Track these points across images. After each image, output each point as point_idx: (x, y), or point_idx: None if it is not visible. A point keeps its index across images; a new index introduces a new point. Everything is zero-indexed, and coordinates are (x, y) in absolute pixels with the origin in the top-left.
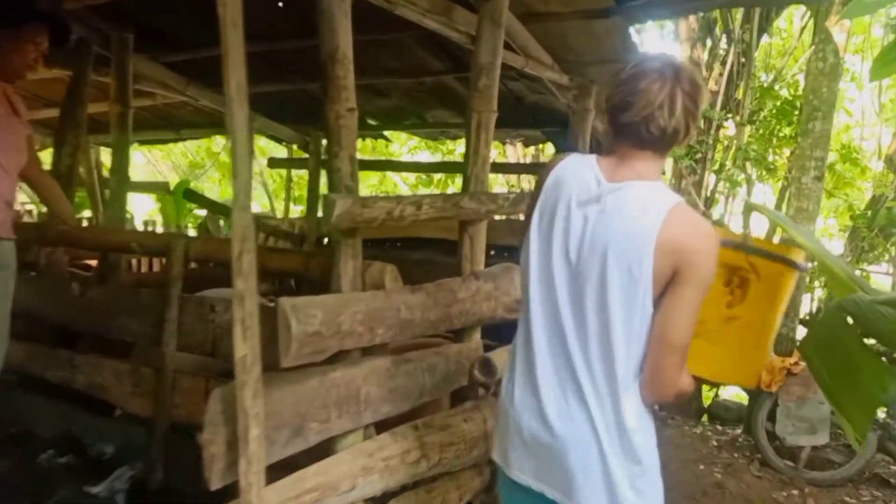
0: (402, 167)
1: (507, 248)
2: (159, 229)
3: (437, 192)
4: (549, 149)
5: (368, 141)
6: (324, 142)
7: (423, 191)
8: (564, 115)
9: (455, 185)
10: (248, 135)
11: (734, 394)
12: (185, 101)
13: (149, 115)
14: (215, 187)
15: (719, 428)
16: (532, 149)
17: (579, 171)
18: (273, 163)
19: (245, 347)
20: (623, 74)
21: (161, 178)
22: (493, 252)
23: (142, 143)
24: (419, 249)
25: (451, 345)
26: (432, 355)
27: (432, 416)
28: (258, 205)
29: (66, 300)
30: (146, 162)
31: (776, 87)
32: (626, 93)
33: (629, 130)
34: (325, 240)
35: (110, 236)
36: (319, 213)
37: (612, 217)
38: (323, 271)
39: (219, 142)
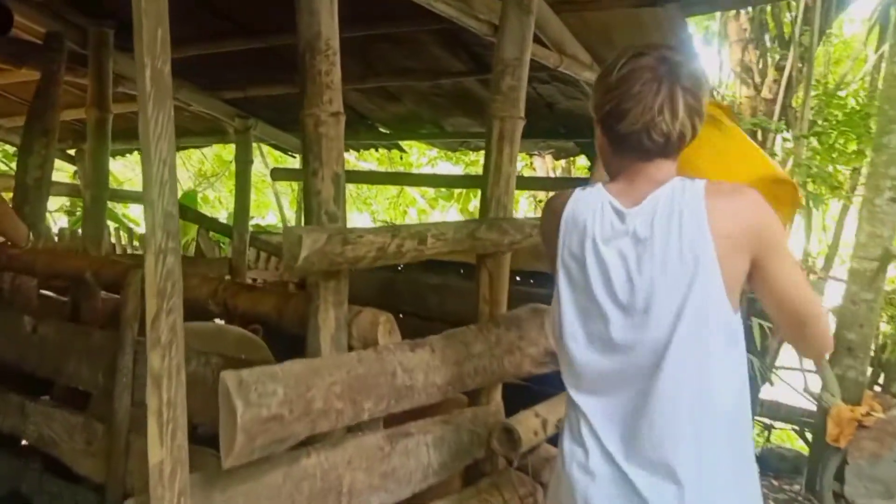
0: (416, 181)
1: (533, 275)
2: None
3: (456, 206)
4: (582, 161)
5: (381, 150)
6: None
7: (443, 206)
8: None
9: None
10: (165, 149)
11: (789, 436)
12: (180, 106)
13: None
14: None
15: (774, 482)
16: (563, 162)
17: (591, 204)
18: (277, 174)
19: (161, 452)
20: (611, 77)
21: (179, 187)
22: (517, 277)
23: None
24: (436, 272)
25: (465, 410)
26: (439, 425)
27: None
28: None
29: (18, 335)
30: None
31: (840, 95)
32: (618, 99)
33: (629, 141)
34: None
35: (62, 263)
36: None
37: (649, 241)
38: (301, 319)
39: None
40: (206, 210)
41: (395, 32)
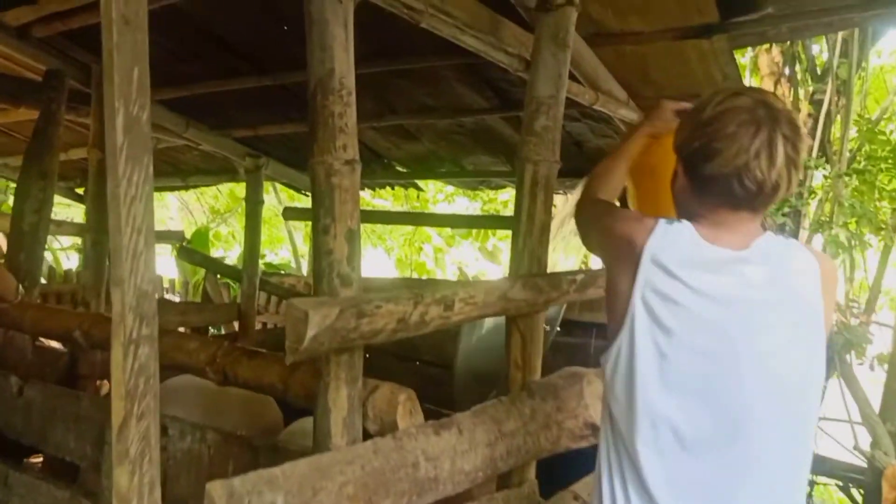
0: (434, 221)
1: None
2: (173, 298)
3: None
4: None
5: (397, 188)
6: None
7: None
8: None
9: (497, 235)
10: (145, 209)
11: (829, 492)
12: (190, 144)
13: (157, 160)
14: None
15: None
16: None
17: (681, 242)
18: (289, 213)
19: None
20: (705, 113)
21: (193, 223)
22: (546, 327)
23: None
24: None
25: (494, 495)
26: None
27: None
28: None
29: (3, 398)
30: (179, 205)
31: (883, 131)
32: (710, 136)
33: (717, 185)
34: None
35: (51, 320)
36: None
37: (769, 295)
38: (308, 393)
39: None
40: (218, 246)
41: (415, 68)
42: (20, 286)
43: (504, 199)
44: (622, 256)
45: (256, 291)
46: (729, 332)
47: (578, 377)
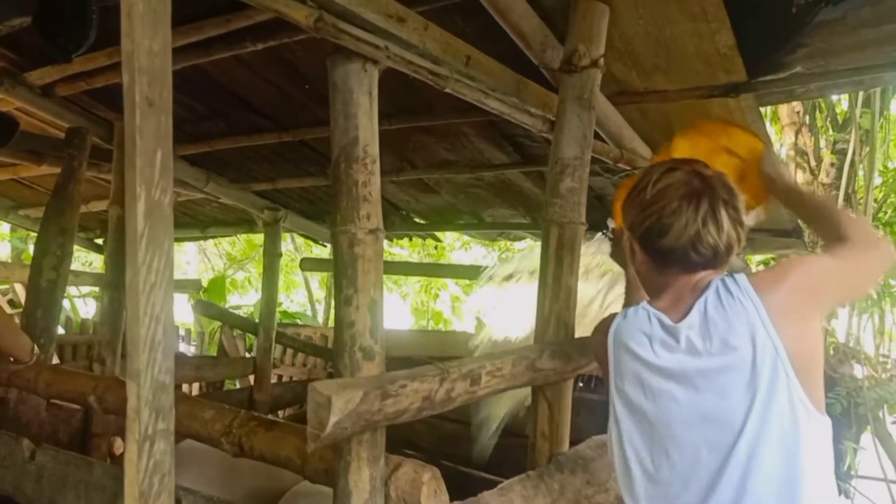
0: (453, 272)
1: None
2: (188, 348)
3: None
4: None
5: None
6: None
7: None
8: None
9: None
10: (165, 295)
11: None
12: (208, 197)
13: (177, 212)
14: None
15: None
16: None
17: (637, 325)
18: (306, 265)
19: None
20: (647, 193)
21: (211, 268)
22: (580, 383)
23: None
24: None
25: None
26: None
27: None
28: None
29: (15, 462)
30: (198, 251)
31: None
32: (658, 214)
33: (673, 256)
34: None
35: (64, 384)
36: None
37: (707, 352)
38: (327, 468)
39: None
40: (235, 293)
41: (435, 125)
42: (35, 346)
43: (521, 248)
44: (602, 353)
45: (272, 345)
46: (677, 397)
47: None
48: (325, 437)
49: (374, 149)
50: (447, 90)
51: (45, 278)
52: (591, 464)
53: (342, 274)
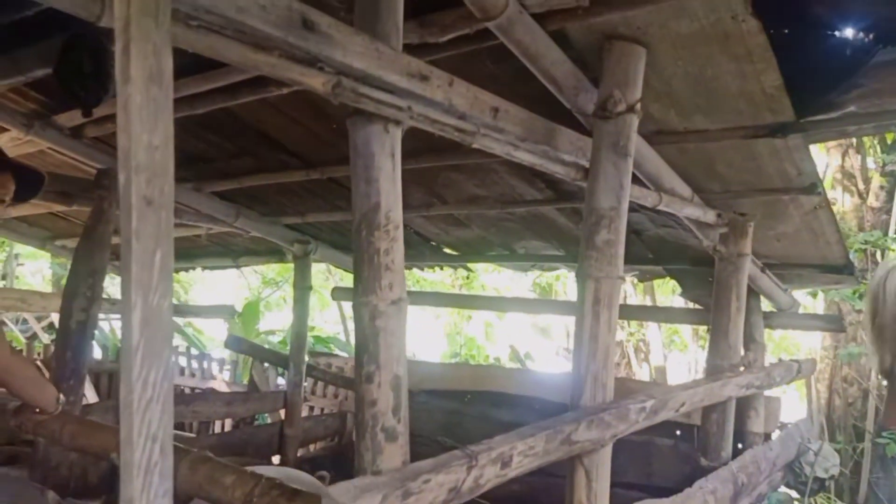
0: (487, 304)
1: None
2: (220, 374)
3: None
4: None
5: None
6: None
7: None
8: (696, 251)
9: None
10: (162, 412)
11: None
12: (237, 232)
13: (209, 242)
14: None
15: None
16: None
17: None
18: (338, 294)
19: None
20: None
21: (248, 286)
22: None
23: (203, 268)
24: (508, 408)
25: None
26: None
27: None
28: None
29: None
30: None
31: None
32: None
33: None
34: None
35: (88, 437)
36: None
37: None
38: None
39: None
40: (269, 315)
41: (464, 163)
42: (61, 396)
43: (556, 274)
44: None
45: (303, 379)
46: None
47: None
48: None
49: (398, 214)
50: (475, 146)
51: (75, 320)
52: None
53: (363, 349)
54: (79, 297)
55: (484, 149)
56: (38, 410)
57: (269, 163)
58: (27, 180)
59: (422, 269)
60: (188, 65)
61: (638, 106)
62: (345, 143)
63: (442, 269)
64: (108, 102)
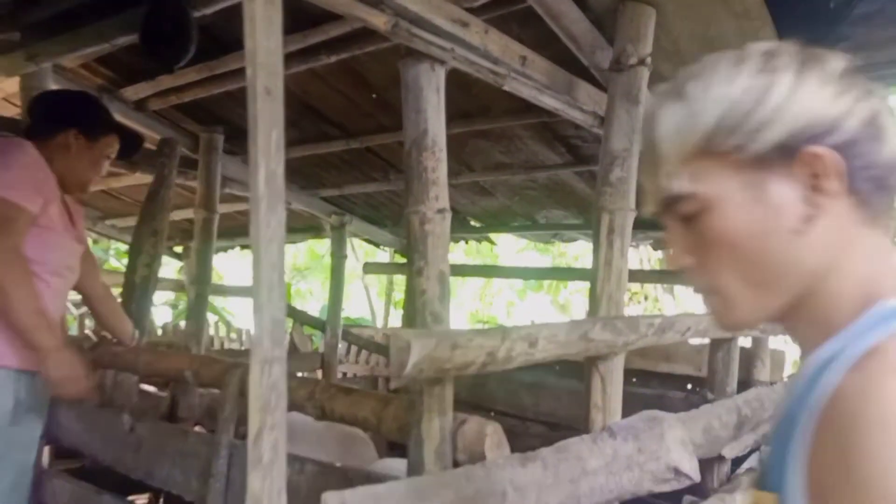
0: (511, 273)
1: (635, 373)
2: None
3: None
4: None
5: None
6: None
7: (531, 296)
8: None
9: (569, 289)
10: (278, 246)
11: None
12: None
13: (245, 219)
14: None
15: None
16: (659, 252)
17: None
18: (369, 268)
19: None
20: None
21: None
22: (634, 379)
23: (242, 247)
24: (530, 370)
25: None
26: None
27: None
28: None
29: (116, 435)
30: None
31: None
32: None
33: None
34: None
35: (163, 362)
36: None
37: None
38: (400, 426)
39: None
40: (297, 303)
41: (491, 128)
42: (136, 331)
43: (575, 253)
44: None
45: (339, 342)
46: None
47: (658, 421)
48: (404, 375)
49: (442, 139)
50: (505, 88)
51: (139, 275)
52: (642, 434)
53: (414, 249)
54: (143, 254)
55: (513, 91)
56: (115, 342)
57: (310, 133)
58: (129, 141)
59: (456, 242)
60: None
61: (648, 59)
62: (383, 114)
63: (467, 242)
64: (169, 76)
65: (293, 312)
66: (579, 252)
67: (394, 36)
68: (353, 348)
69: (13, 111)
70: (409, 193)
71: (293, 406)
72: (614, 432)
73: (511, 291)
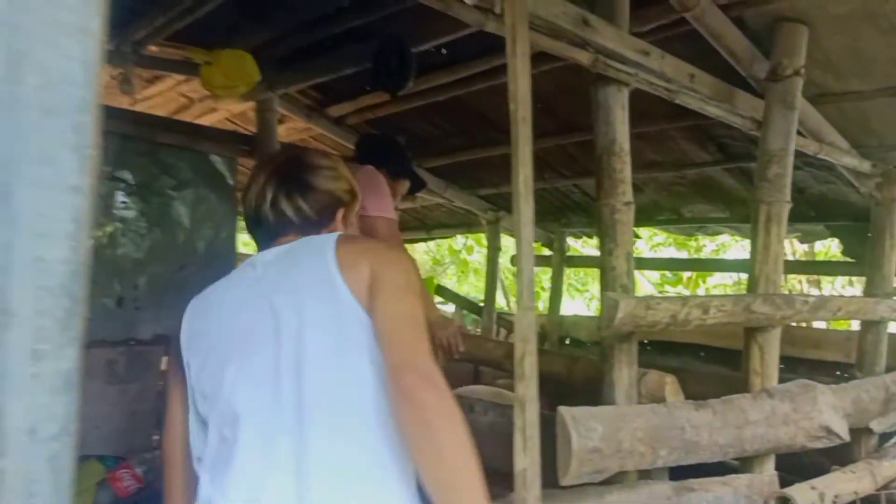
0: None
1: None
2: None
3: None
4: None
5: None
6: (569, 239)
7: (669, 290)
8: (857, 207)
9: (707, 285)
10: (530, 232)
11: None
12: (441, 203)
13: (408, 217)
14: (452, 283)
15: None
16: (805, 246)
17: None
18: (516, 259)
19: (525, 460)
20: None
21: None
22: (782, 365)
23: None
24: (671, 355)
25: (740, 476)
26: (718, 485)
27: None
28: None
29: None
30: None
31: None
32: None
33: None
34: (567, 340)
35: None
36: (558, 312)
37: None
38: (587, 378)
39: (458, 240)
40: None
41: (647, 131)
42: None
43: (713, 249)
44: None
45: (494, 325)
46: None
47: (811, 387)
48: (612, 328)
49: (626, 145)
50: (676, 101)
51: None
52: (797, 396)
53: (605, 233)
54: None
55: (683, 104)
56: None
57: (479, 139)
58: (416, 184)
59: (591, 237)
60: (437, 61)
61: (802, 70)
62: (546, 120)
63: None
64: (369, 95)
65: (455, 298)
66: (719, 247)
67: (594, 68)
68: (502, 332)
69: (229, 127)
70: (599, 189)
71: (492, 365)
72: (772, 393)
73: (649, 285)
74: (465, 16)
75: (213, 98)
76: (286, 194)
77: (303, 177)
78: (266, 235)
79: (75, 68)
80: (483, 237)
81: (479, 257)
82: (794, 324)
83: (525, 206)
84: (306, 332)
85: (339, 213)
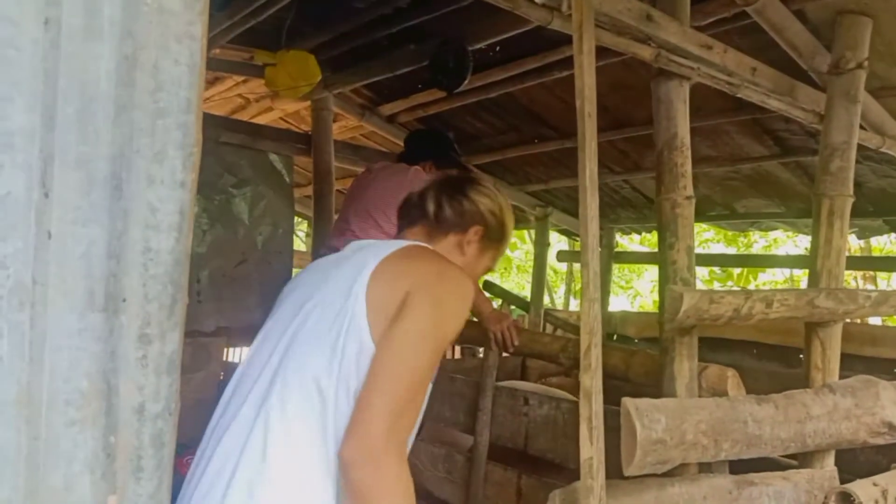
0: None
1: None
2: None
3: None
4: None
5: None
6: (618, 236)
7: (717, 286)
8: None
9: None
10: (597, 225)
11: None
12: None
13: None
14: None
15: None
16: (861, 242)
17: None
18: (561, 256)
19: (591, 450)
20: None
21: None
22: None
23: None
24: (723, 352)
25: (800, 471)
26: (779, 480)
27: None
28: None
29: None
30: None
31: None
32: None
33: None
34: (614, 337)
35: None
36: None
37: None
38: (646, 371)
39: None
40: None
41: (700, 125)
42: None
43: (764, 245)
44: None
45: (542, 320)
46: None
47: (874, 382)
48: (676, 320)
49: (687, 139)
50: (738, 95)
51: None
52: (858, 392)
53: (666, 228)
54: None
55: (745, 97)
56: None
57: (528, 136)
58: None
59: (639, 234)
60: (490, 59)
61: (865, 63)
62: (599, 116)
63: (651, 233)
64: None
65: (503, 293)
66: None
67: (656, 63)
68: (549, 327)
69: (283, 126)
70: (660, 184)
71: (548, 358)
72: (833, 389)
73: (700, 283)
74: (531, 14)
75: (269, 98)
76: (437, 192)
77: (462, 185)
78: (402, 226)
79: (182, 72)
80: (525, 234)
81: (520, 254)
82: (848, 320)
83: (591, 200)
84: (313, 312)
85: (474, 230)
